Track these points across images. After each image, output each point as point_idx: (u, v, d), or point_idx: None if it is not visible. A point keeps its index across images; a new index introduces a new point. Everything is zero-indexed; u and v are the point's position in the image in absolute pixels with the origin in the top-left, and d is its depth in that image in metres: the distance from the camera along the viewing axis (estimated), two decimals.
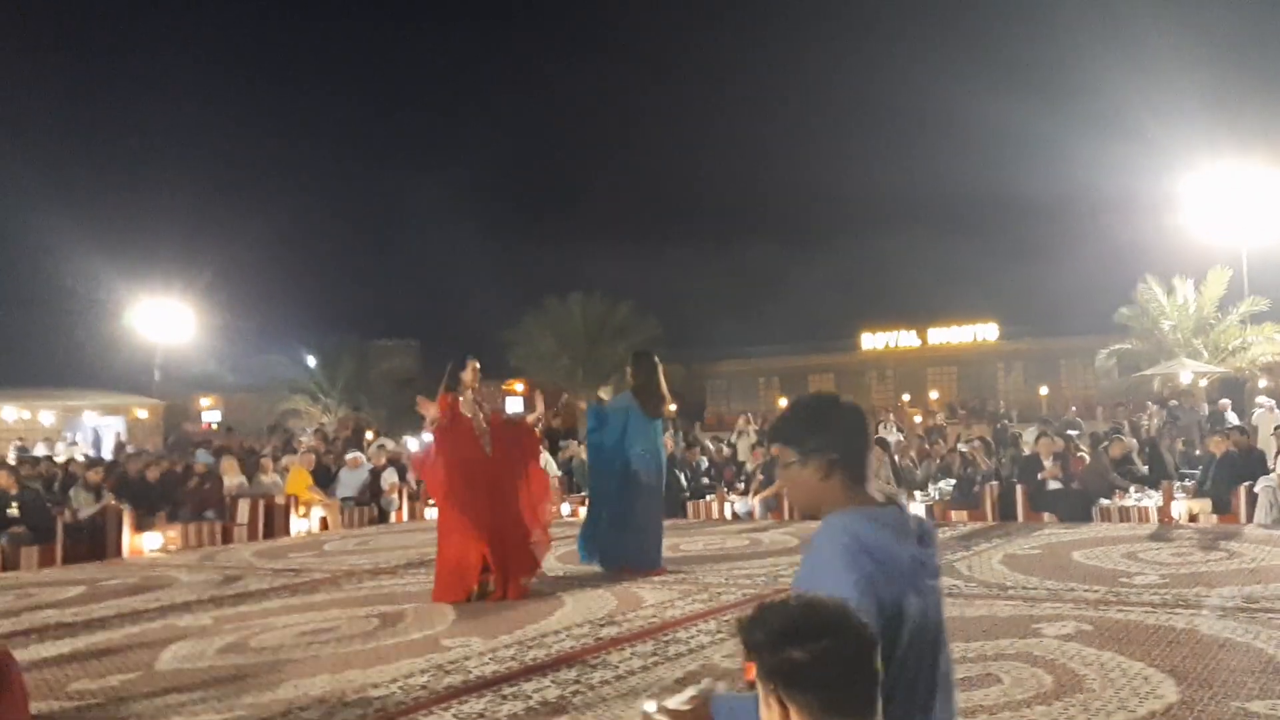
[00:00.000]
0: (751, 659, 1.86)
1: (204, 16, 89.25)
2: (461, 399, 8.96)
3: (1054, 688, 5.21)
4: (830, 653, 1.79)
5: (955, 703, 2.34)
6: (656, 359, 10.17)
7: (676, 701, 2.21)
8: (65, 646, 7.44)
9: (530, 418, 9.73)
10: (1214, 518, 11.98)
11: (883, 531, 2.26)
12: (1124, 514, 12.46)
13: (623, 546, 9.67)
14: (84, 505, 13.81)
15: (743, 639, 1.88)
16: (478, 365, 9.15)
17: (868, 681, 1.84)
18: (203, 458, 15.94)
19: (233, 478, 15.70)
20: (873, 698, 1.84)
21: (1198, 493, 12.49)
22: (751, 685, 2.30)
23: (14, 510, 12.66)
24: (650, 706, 2.24)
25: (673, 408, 10.74)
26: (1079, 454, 14.13)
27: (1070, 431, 16.37)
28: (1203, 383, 24.26)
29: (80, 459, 19.08)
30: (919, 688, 2.23)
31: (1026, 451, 14.32)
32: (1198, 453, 13.93)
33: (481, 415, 9.01)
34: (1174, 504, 12.26)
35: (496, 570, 8.57)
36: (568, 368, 40.65)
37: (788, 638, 1.81)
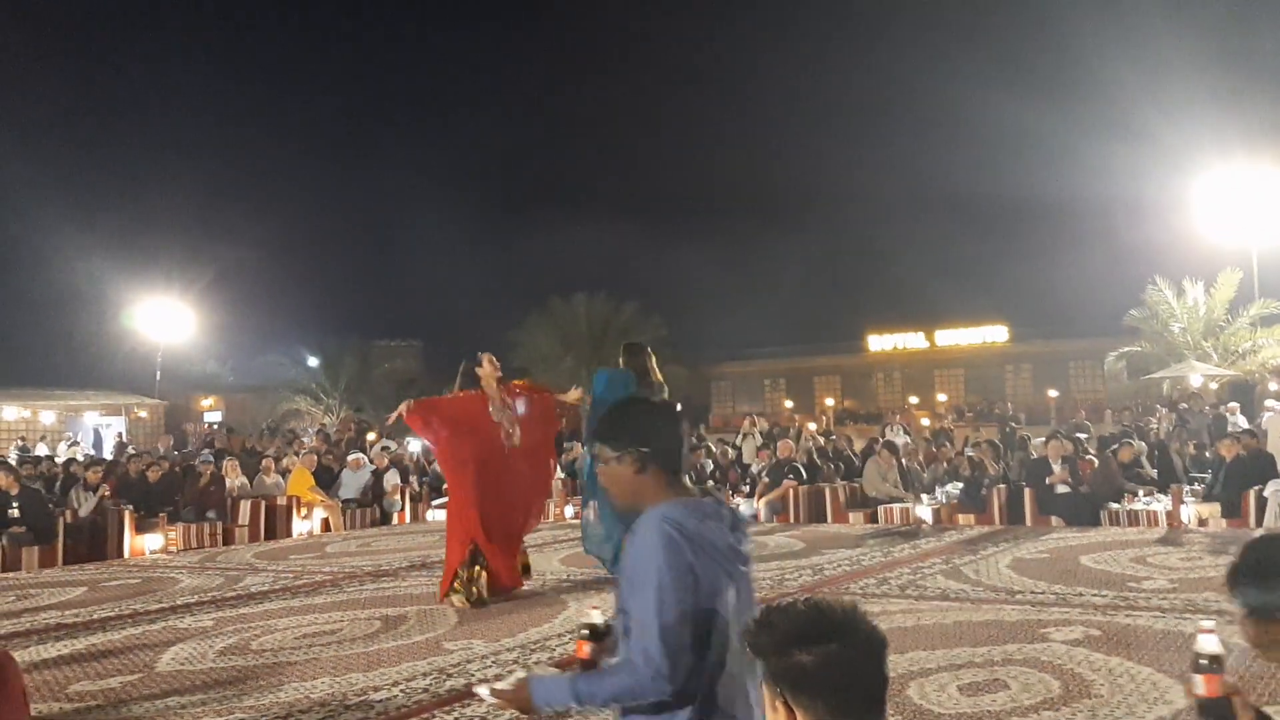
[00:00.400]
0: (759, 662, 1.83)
1: (205, 18, 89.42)
2: (490, 400, 8.86)
3: (1062, 693, 5.14)
4: (837, 656, 1.75)
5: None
6: (648, 348, 10.06)
7: (504, 684, 2.43)
8: (65, 648, 7.39)
9: (573, 395, 9.81)
10: (1223, 522, 11.89)
11: (700, 520, 2.41)
12: (1133, 518, 12.37)
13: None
14: (84, 505, 13.79)
15: (749, 643, 1.84)
16: (494, 359, 9.10)
17: (875, 685, 1.81)
18: (205, 458, 15.89)
19: (234, 479, 15.67)
20: (880, 701, 1.81)
21: (1207, 497, 12.41)
22: (585, 664, 2.44)
23: (15, 511, 12.62)
24: (483, 690, 2.45)
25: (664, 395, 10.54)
26: (1087, 457, 14.05)
27: (1079, 435, 16.27)
28: (1213, 386, 24.16)
29: (81, 459, 19.02)
30: (740, 666, 2.34)
31: (1035, 455, 14.23)
32: (1208, 455, 13.84)
33: (508, 412, 8.93)
34: (1183, 508, 12.18)
35: (490, 560, 8.53)
36: (571, 369, 40.55)
37: (794, 641, 1.77)
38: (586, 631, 2.46)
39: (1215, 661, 2.18)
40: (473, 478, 8.65)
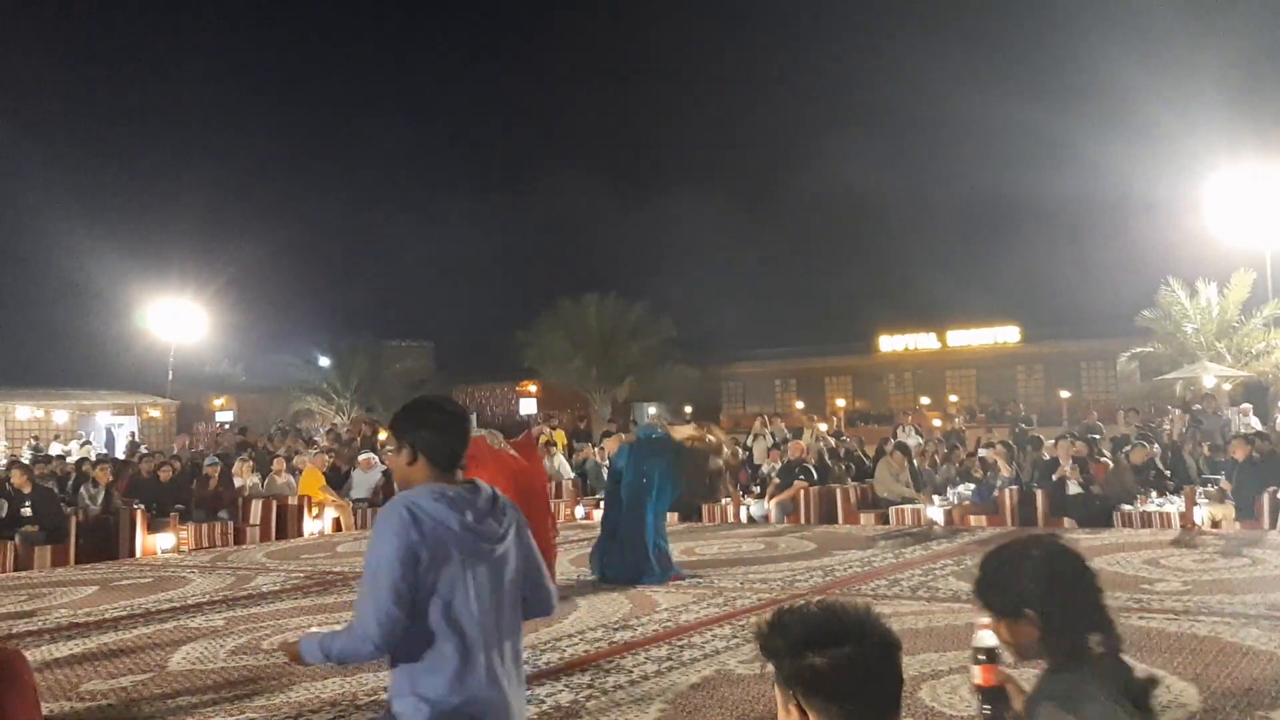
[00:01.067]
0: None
1: (220, 20, 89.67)
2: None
3: None
4: (851, 659, 1.74)
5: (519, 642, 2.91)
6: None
7: (289, 638, 2.98)
8: (77, 647, 7.41)
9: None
10: (1236, 524, 11.82)
11: (440, 503, 2.73)
12: (1145, 519, 12.32)
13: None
14: (92, 501, 13.84)
15: (761, 645, 1.83)
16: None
17: (890, 687, 1.79)
18: (211, 461, 15.94)
19: (247, 478, 15.70)
20: (896, 702, 1.80)
21: (1221, 498, 12.35)
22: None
23: (27, 510, 12.67)
24: (275, 640, 3.04)
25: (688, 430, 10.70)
26: (1101, 459, 13.99)
27: (1092, 436, 16.21)
28: (1226, 387, 24.02)
29: (93, 458, 19.09)
30: (481, 632, 2.75)
31: (1046, 456, 14.18)
32: (1221, 459, 13.77)
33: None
34: (1196, 510, 12.11)
35: None
36: (581, 369, 40.55)
37: (808, 644, 1.75)
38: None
39: (991, 654, 2.43)
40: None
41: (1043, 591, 2.29)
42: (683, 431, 10.50)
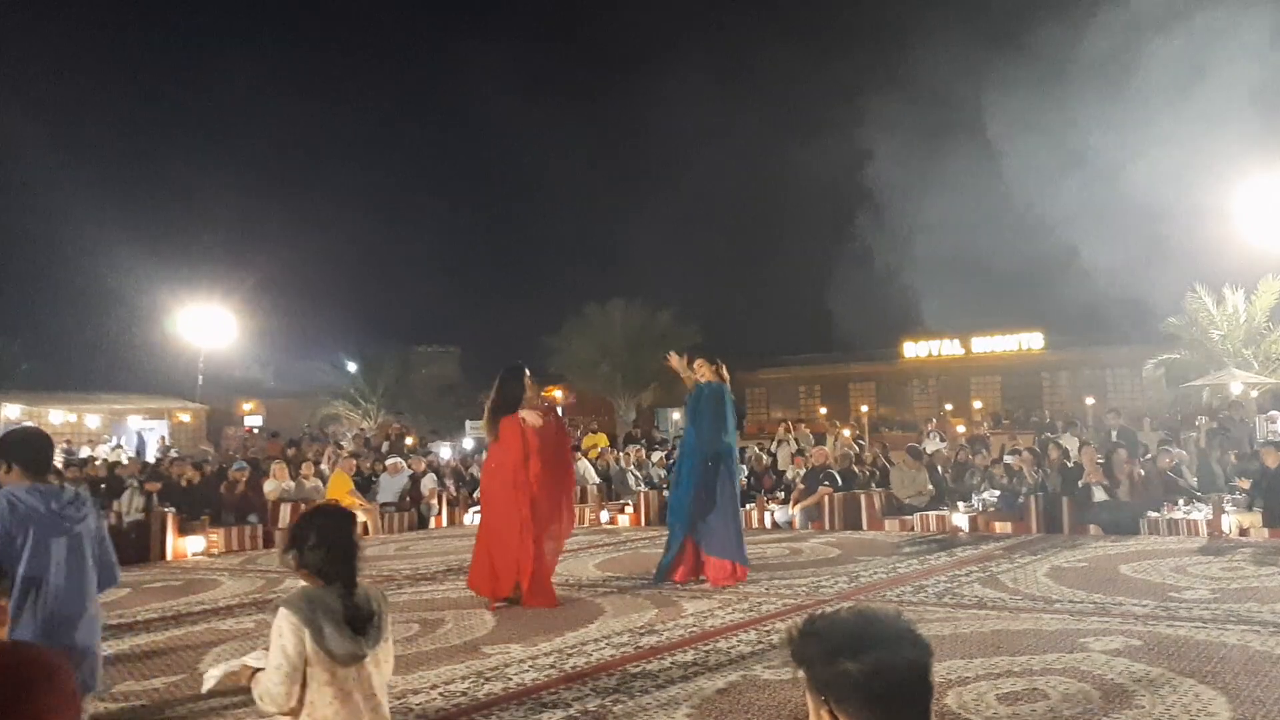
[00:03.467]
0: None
1: (252, 28, 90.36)
2: (524, 415, 8.94)
3: (1102, 704, 5.11)
4: (885, 666, 1.74)
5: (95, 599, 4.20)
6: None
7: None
8: (110, 648, 7.49)
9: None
10: (1265, 531, 11.74)
11: (32, 496, 4.01)
12: (1173, 527, 12.25)
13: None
14: (132, 506, 14.01)
15: (793, 651, 1.84)
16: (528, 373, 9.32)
17: (921, 694, 1.79)
18: (239, 466, 16.08)
19: (282, 481, 15.83)
20: (926, 710, 1.80)
21: (1249, 506, 12.26)
22: None
23: None
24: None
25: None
26: (1124, 466, 13.90)
27: (1117, 444, 16.13)
28: (1253, 394, 23.82)
29: (125, 462, 19.30)
30: (63, 601, 4.00)
31: (1071, 464, 14.13)
32: (1253, 466, 13.66)
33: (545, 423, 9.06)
34: (1224, 517, 12.04)
35: (525, 578, 8.71)
36: (607, 375, 40.68)
37: (841, 650, 1.76)
38: None
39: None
40: (507, 488, 8.92)
41: None
42: None
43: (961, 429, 28.64)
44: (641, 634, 7.27)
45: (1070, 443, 16.27)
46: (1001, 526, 13.23)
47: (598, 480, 18.24)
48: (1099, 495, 12.86)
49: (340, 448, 20.68)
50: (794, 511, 14.78)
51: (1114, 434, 16.69)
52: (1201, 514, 12.26)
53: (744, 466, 17.23)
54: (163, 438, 30.76)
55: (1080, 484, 13.01)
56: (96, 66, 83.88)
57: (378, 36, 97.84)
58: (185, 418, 38.09)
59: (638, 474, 18.10)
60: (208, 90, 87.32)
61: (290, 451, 19.49)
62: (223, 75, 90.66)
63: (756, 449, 19.21)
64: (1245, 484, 12.57)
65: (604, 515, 16.56)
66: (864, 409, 46.75)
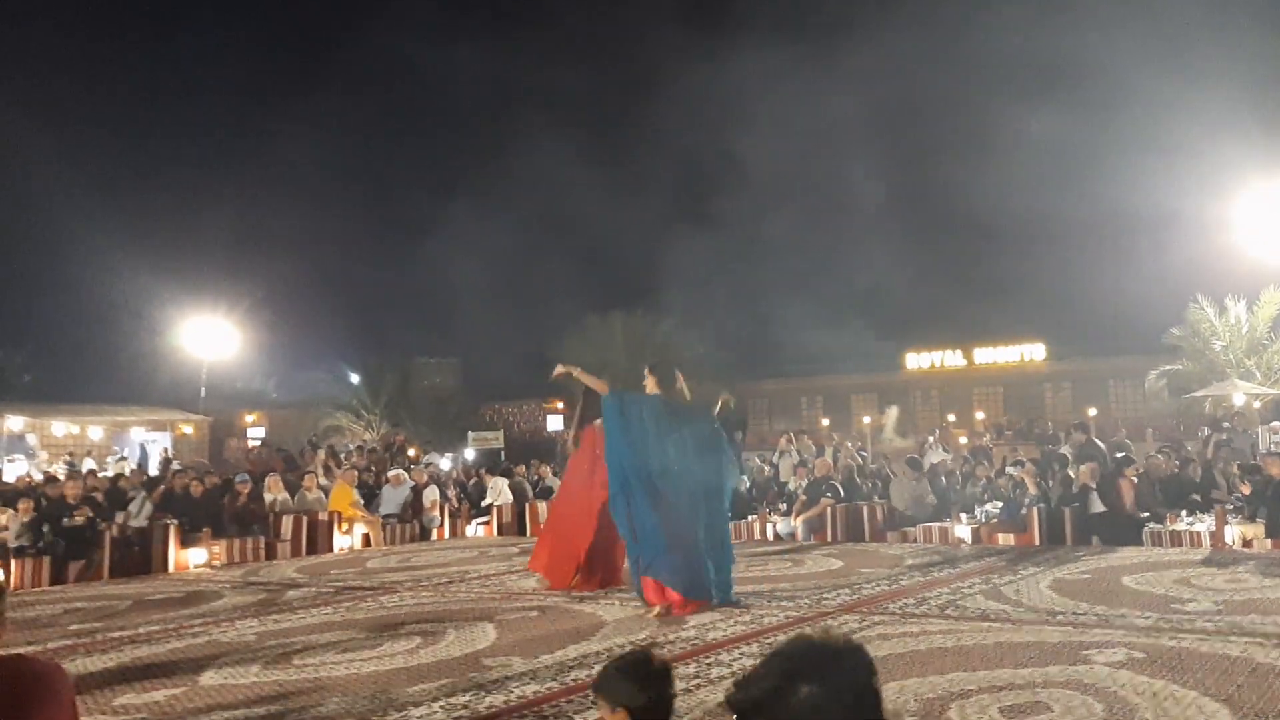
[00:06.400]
0: None
1: (255, 40, 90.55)
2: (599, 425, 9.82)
3: (1105, 717, 5.09)
4: (817, 700, 1.69)
5: None
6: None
7: None
8: (111, 661, 7.50)
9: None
10: (1268, 543, 11.72)
11: None
12: (1175, 538, 12.23)
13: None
14: (139, 514, 14.07)
15: (736, 706, 1.80)
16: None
17: (872, 705, 1.74)
18: (241, 478, 16.10)
19: (277, 493, 15.84)
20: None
21: (1251, 517, 12.24)
22: None
23: (80, 517, 12.88)
24: None
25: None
26: (1125, 476, 13.89)
27: (1119, 454, 16.11)
28: (1256, 405, 23.81)
29: (128, 474, 19.30)
30: None
31: (1072, 474, 14.11)
32: (1255, 477, 13.64)
33: None
34: (1227, 529, 12.02)
35: (585, 565, 10.06)
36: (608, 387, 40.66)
37: (792, 680, 1.71)
38: None
39: None
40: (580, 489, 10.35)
41: None
42: None
43: (964, 440, 28.63)
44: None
45: (1068, 450, 16.29)
46: (1004, 538, 13.21)
47: None
48: (1096, 506, 12.84)
49: (335, 457, 20.68)
50: (796, 523, 14.76)
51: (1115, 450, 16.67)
52: (1204, 526, 12.24)
53: (745, 478, 17.23)
54: (165, 449, 30.72)
55: (1075, 489, 13.00)
56: (99, 77, 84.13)
57: (376, 44, 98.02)
58: (188, 429, 38.10)
59: None
60: (211, 101, 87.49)
61: (281, 466, 19.41)
62: (226, 87, 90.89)
63: (758, 460, 19.20)
64: (1246, 488, 12.58)
65: None
66: (866, 420, 46.76)
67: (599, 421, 9.41)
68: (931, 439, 23.32)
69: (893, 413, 29.02)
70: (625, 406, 9.14)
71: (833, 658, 1.74)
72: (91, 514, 13.19)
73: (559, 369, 10.09)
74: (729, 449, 9.55)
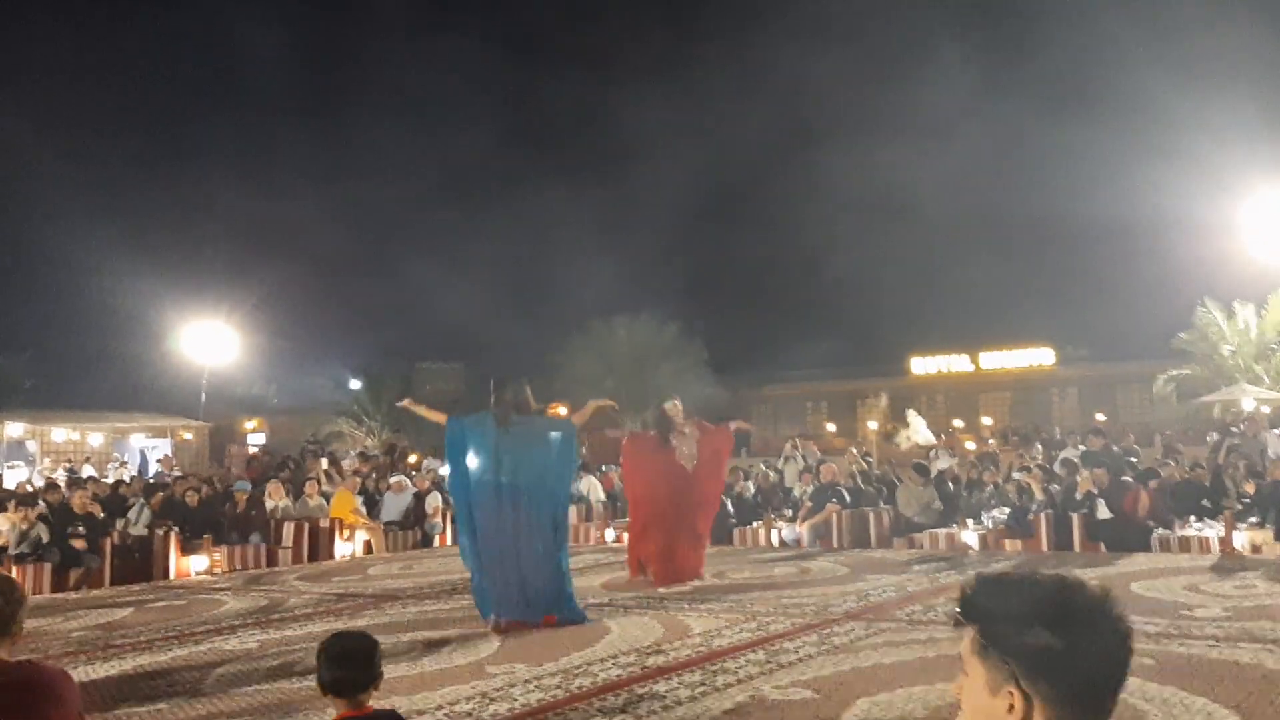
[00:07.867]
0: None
1: (254, 44, 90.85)
2: (674, 436, 11.21)
3: None
4: (1089, 648, 1.61)
5: None
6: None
7: None
8: (113, 668, 7.45)
9: (733, 426, 11.98)
10: (1277, 548, 11.64)
11: None
12: (1184, 544, 12.14)
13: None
14: (138, 521, 14.03)
15: (969, 602, 1.67)
16: (677, 403, 11.69)
17: (1119, 686, 1.66)
18: (240, 486, 16.04)
19: (278, 500, 15.79)
20: (1117, 696, 1.67)
21: (1261, 523, 12.16)
22: None
23: (79, 542, 12.81)
24: None
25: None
26: (1132, 482, 13.81)
27: (1129, 459, 16.04)
28: (1265, 409, 23.73)
29: (128, 480, 19.25)
30: None
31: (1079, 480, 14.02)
32: (1263, 482, 13.56)
33: (691, 442, 11.22)
34: (1236, 534, 11.93)
35: (657, 562, 10.81)
36: (612, 391, 40.56)
37: (1037, 617, 1.61)
38: None
39: None
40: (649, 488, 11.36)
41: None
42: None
43: (971, 445, 28.54)
44: (648, 654, 7.19)
45: (1071, 453, 16.21)
46: (1012, 544, 13.13)
47: (603, 498, 18.17)
48: (1103, 513, 12.75)
49: (337, 465, 20.63)
50: (801, 529, 14.68)
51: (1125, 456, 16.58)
52: (1213, 531, 12.16)
53: (750, 484, 17.16)
54: (166, 456, 30.72)
55: (1078, 496, 12.92)
56: (99, 83, 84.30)
57: (380, 50, 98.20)
58: (188, 436, 38.12)
59: None
60: (211, 106, 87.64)
61: (285, 474, 19.33)
62: (225, 90, 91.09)
63: (763, 466, 19.12)
64: (1251, 487, 12.49)
65: (609, 534, 16.47)
66: (872, 425, 46.67)
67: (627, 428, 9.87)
68: (938, 445, 23.25)
69: (914, 417, 28.97)
70: (464, 430, 9.00)
71: (1104, 612, 1.66)
72: (89, 527, 13.09)
73: (405, 402, 10.37)
74: (575, 457, 10.18)
